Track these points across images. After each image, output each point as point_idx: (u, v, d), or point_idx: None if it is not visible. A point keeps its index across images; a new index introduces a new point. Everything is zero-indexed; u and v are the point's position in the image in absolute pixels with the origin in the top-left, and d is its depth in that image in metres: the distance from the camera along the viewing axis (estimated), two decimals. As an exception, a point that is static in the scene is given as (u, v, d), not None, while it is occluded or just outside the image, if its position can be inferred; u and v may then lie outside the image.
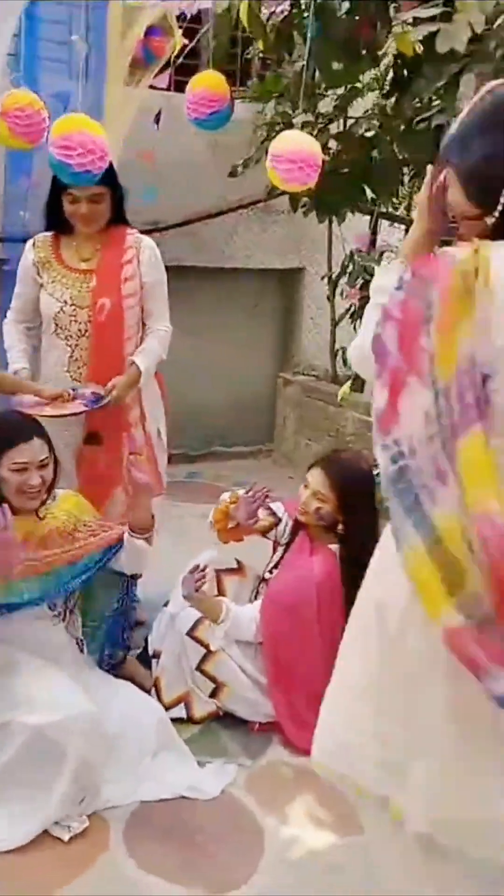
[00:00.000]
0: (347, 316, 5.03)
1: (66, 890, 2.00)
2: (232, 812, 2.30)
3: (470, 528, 1.32)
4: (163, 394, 3.16)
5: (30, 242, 2.99)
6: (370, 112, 3.51)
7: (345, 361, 5.23)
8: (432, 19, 2.59)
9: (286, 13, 2.89)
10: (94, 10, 3.79)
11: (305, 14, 2.87)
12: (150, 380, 3.02)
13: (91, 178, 2.57)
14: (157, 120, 4.24)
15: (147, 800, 2.31)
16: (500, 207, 1.39)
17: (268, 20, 2.95)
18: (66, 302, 2.85)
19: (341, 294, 5.09)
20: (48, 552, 2.42)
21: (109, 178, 2.81)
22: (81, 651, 2.58)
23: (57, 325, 2.87)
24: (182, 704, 2.69)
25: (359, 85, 3.43)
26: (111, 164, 2.84)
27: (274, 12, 2.91)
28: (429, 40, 2.59)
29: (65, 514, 2.50)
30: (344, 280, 4.93)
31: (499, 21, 2.43)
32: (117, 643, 2.71)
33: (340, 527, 2.68)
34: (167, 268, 3.05)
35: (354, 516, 2.63)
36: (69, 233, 2.93)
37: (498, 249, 1.38)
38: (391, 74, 3.26)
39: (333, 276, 5.03)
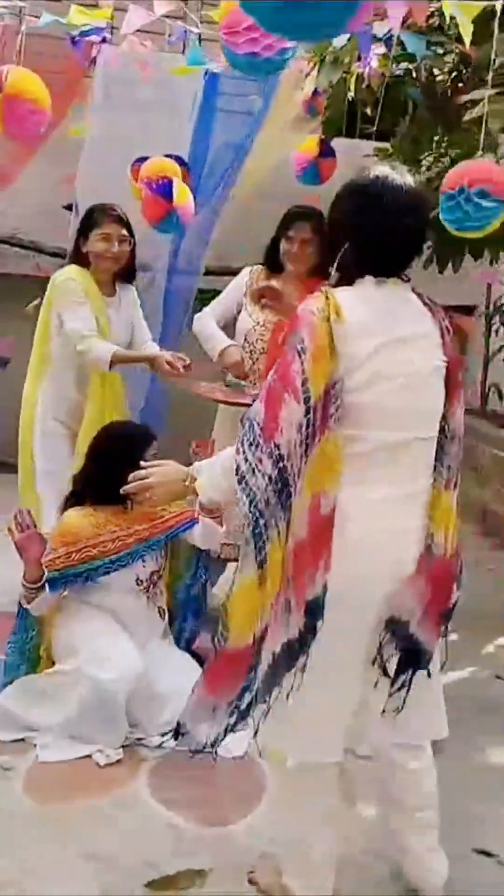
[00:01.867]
0: (501, 354, 5.19)
1: (85, 798, 2.50)
2: (246, 768, 2.66)
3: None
4: None
5: (247, 269, 3.59)
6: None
7: (500, 396, 5.33)
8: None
9: (385, 81, 3.23)
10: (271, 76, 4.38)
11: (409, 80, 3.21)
12: None
13: None
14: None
15: (180, 748, 2.72)
16: (335, 264, 1.80)
17: (378, 87, 3.31)
18: (258, 323, 3.41)
19: (495, 332, 5.25)
20: (137, 527, 2.93)
21: (321, 226, 3.30)
22: (162, 618, 3.06)
23: (246, 339, 3.42)
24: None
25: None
26: (321, 214, 3.31)
27: (373, 77, 3.24)
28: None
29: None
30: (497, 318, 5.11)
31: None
32: (192, 617, 3.17)
33: None
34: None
35: None
36: (278, 272, 3.48)
37: (340, 292, 1.79)
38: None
39: (489, 314, 5.20)
